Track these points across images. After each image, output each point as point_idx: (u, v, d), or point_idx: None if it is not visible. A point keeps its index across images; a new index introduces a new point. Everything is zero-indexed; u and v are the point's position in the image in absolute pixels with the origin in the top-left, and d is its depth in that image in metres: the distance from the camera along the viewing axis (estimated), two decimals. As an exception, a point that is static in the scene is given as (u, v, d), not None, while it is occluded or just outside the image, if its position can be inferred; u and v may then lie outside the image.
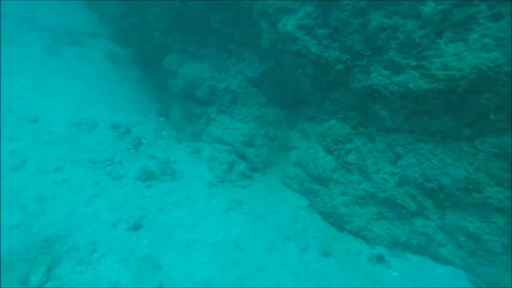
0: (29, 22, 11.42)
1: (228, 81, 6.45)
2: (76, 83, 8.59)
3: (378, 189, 5.16)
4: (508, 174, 4.05)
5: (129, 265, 4.46)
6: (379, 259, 5.03)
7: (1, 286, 3.27)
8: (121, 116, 7.58)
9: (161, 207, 5.40)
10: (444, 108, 4.27)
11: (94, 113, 7.40)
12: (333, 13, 4.73)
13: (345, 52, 4.82)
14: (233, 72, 6.50)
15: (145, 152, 6.67)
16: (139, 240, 4.82)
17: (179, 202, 5.55)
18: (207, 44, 6.67)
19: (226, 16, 6.22)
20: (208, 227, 5.17)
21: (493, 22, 3.70)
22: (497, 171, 4.13)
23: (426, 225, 4.97)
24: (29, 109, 6.91)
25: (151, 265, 4.51)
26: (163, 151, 6.85)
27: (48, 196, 5.14)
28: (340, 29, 4.74)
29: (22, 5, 12.65)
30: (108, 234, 4.82)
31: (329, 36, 4.95)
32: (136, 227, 4.96)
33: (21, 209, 4.84)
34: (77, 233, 4.73)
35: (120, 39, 10.97)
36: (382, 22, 4.34)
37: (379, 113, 4.85)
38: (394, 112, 4.69)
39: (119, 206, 5.26)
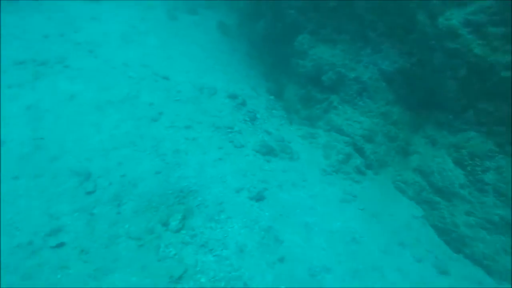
0: None
1: (359, 71, 6.26)
2: (193, 49, 8.96)
3: (521, 219, 4.73)
4: None
5: (253, 232, 4.60)
6: (506, 295, 4.65)
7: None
8: (236, 87, 7.77)
9: (280, 184, 5.47)
10: None
11: (211, 80, 7.66)
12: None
13: (521, 59, 4.39)
14: (366, 62, 6.29)
15: (260, 126, 6.78)
16: (261, 211, 4.94)
17: (297, 183, 5.59)
18: (343, 29, 6.51)
19: (374, 3, 5.97)
20: (325, 213, 5.15)
21: None
22: None
23: None
24: (159, 67, 7.34)
25: (273, 238, 4.61)
26: (276, 129, 6.92)
27: (181, 151, 5.45)
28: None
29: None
30: (233, 198, 5.00)
31: (504, 37, 4.52)
32: (259, 198, 5.09)
33: (161, 157, 5.20)
34: (206, 191, 4.97)
35: (234, 14, 11.20)
36: None
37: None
38: None
39: (241, 174, 5.42)
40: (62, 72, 6.10)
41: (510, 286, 4.66)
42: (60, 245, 3.82)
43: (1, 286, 3.26)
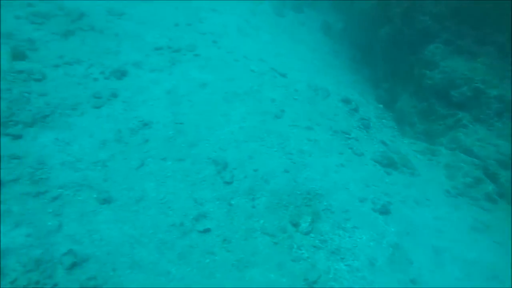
0: None
1: (503, 89, 5.71)
2: (300, 48, 8.87)
3: None
4: None
5: (382, 247, 4.43)
6: None
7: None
8: (346, 91, 7.56)
9: (403, 199, 5.21)
10: None
11: (323, 81, 7.51)
12: None
13: None
14: (513, 81, 5.71)
15: (375, 136, 6.53)
16: (386, 225, 4.74)
17: (420, 201, 5.28)
18: (487, 40, 5.96)
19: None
20: (455, 239, 4.80)
21: None
22: None
23: None
24: (275, 63, 7.36)
25: (402, 256, 4.38)
26: (390, 140, 6.61)
27: (305, 151, 5.41)
28: None
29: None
30: (358, 208, 4.85)
31: None
32: (383, 211, 4.89)
33: (288, 156, 5.20)
34: (331, 196, 4.88)
35: (338, 15, 10.91)
36: None
37: None
38: None
39: (364, 184, 5.25)
40: (193, 60, 6.37)
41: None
42: (206, 230, 3.97)
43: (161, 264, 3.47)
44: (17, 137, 4.31)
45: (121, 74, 5.51)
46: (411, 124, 6.95)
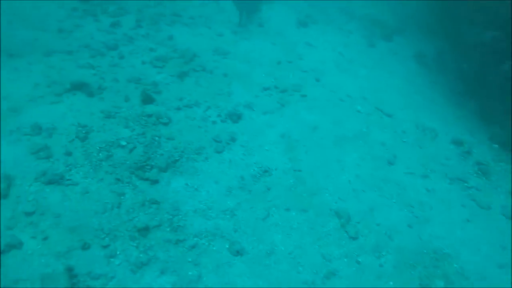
0: (347, 12, 12.00)
1: None
2: (397, 81, 8.49)
3: None
4: None
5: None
6: None
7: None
8: (454, 130, 7.04)
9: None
10: None
11: (427, 119, 7.10)
12: None
13: None
14: None
15: (497, 184, 5.94)
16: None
17: None
18: None
19: None
20: None
21: None
22: None
23: None
24: (377, 101, 7.12)
25: None
26: (512, 190, 5.96)
27: (425, 203, 5.10)
28: None
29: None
30: (498, 276, 4.42)
31: None
32: (525, 280, 4.34)
33: (408, 208, 4.94)
34: (461, 258, 4.50)
35: (433, 43, 10.37)
36: None
37: None
38: None
39: (498, 245, 4.78)
40: (300, 101, 6.42)
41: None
42: (338, 291, 3.86)
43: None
44: (154, 182, 4.64)
45: (237, 117, 5.71)
46: (537, 171, 6.23)
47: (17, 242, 3.73)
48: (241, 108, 6.05)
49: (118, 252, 3.84)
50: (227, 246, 4.12)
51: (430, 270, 4.33)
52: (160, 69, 6.72)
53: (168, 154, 4.99)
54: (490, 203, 5.42)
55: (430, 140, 6.57)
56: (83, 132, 5.11)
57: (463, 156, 6.40)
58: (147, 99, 5.86)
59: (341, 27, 10.52)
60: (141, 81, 6.34)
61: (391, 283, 4.11)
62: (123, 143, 4.99)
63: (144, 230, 4.05)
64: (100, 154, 4.84)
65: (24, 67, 6.17)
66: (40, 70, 6.18)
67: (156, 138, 5.22)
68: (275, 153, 5.34)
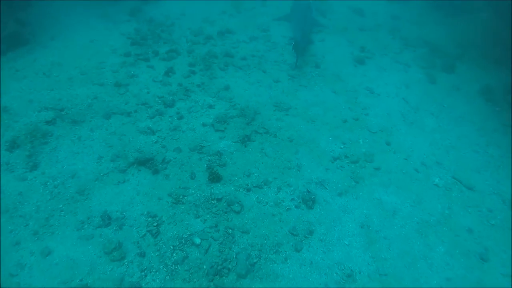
0: (396, 34, 11.23)
1: None
2: (466, 130, 7.80)
3: None
4: None
5: None
6: None
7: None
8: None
9: None
10: None
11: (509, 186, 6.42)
12: None
13: None
14: None
15: None
16: None
17: None
18: None
19: None
20: None
21: None
22: None
23: None
24: (453, 167, 6.53)
25: None
26: None
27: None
28: None
29: (387, 11, 12.60)
30: None
31: None
32: None
33: (511, 326, 4.40)
34: None
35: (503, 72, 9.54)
36: None
37: None
38: None
39: None
40: (374, 175, 5.95)
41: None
42: None
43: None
44: (234, 292, 4.32)
45: (311, 202, 5.31)
46: None
47: None
48: (314, 186, 5.64)
49: None
50: None
51: None
52: (222, 133, 6.37)
53: (245, 254, 4.65)
54: None
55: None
56: (154, 224, 4.85)
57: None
58: (214, 177, 5.53)
59: (397, 59, 9.86)
60: (204, 149, 6.02)
61: None
62: (197, 241, 4.70)
63: None
64: (175, 254, 4.57)
65: (86, 135, 5.97)
66: (102, 138, 5.96)
67: (230, 231, 4.90)
68: (356, 248, 4.92)
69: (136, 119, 6.48)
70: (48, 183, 5.20)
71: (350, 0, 13.08)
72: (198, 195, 5.32)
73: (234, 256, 4.62)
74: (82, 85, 6.99)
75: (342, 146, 6.39)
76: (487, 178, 6.49)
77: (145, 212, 4.99)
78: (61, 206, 4.96)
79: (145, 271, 4.39)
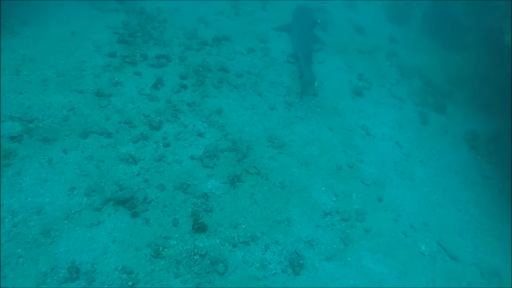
0: (394, 60, 11.04)
1: None
2: (450, 180, 7.84)
3: None
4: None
5: None
6: None
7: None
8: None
9: None
10: None
11: (488, 254, 6.52)
12: None
13: None
14: None
15: None
16: None
17: None
18: None
19: None
20: None
21: None
22: None
23: None
24: (438, 229, 6.52)
25: None
26: None
27: None
28: None
29: (386, 32, 12.33)
30: None
31: None
32: None
33: None
34: None
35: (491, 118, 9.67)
36: None
37: None
38: None
39: None
40: (364, 238, 5.77)
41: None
42: None
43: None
44: None
45: (299, 266, 5.05)
46: None
47: None
48: (302, 245, 5.37)
49: None
50: None
51: None
52: (211, 170, 5.89)
53: (226, 327, 4.32)
54: None
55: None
56: (129, 283, 4.37)
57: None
58: (199, 227, 5.11)
59: (393, 92, 9.67)
60: (190, 188, 5.55)
61: None
62: (176, 309, 4.28)
63: None
64: (150, 326, 4.14)
65: (58, 157, 5.27)
66: (76, 163, 5.30)
67: (211, 297, 4.52)
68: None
69: (117, 142, 5.82)
70: (6, 220, 4.51)
71: (351, 11, 12.67)
72: (180, 248, 4.87)
73: (214, 329, 4.27)
74: (57, 91, 6.15)
75: (334, 199, 6.12)
76: (468, 244, 6.52)
77: (120, 267, 4.49)
78: (20, 251, 4.32)
79: None
